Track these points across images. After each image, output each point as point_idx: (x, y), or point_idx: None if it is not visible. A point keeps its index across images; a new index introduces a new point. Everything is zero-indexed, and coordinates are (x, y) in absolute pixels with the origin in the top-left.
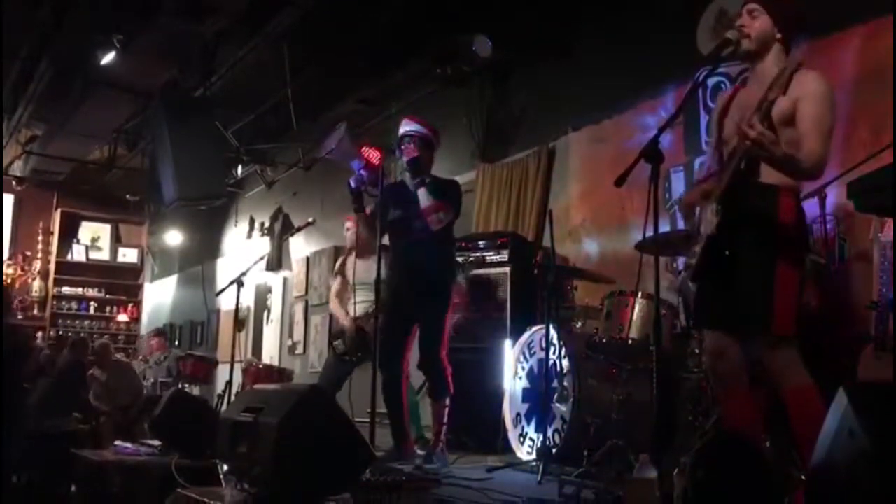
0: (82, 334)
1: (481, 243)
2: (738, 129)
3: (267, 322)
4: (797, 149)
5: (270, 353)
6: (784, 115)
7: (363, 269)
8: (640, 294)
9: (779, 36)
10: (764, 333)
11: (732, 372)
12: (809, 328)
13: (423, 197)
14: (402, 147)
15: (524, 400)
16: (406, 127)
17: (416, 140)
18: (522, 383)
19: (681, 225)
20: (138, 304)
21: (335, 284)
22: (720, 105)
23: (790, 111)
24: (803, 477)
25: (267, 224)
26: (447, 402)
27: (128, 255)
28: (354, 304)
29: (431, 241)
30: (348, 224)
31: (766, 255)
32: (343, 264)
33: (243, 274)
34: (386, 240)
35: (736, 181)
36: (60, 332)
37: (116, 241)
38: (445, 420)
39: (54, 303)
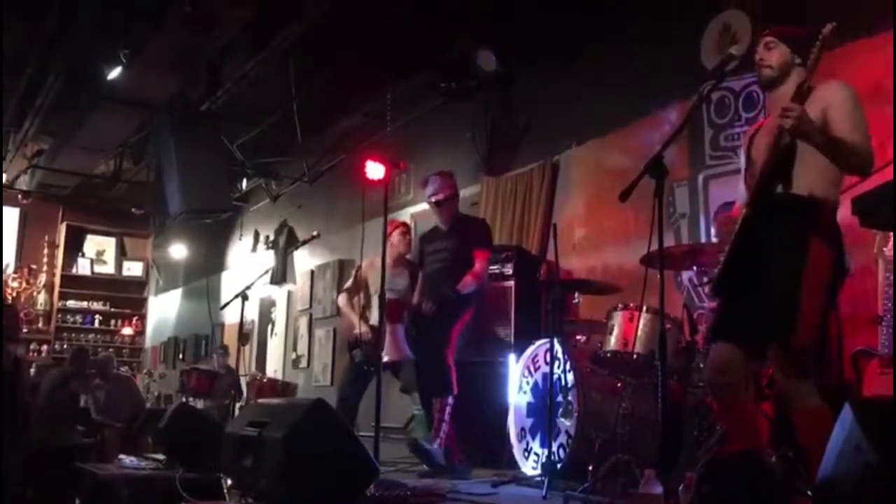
0: (86, 347)
1: None
2: (778, 118)
3: (271, 336)
4: None
5: (274, 367)
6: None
7: (394, 277)
8: (644, 308)
9: (798, 61)
10: (784, 346)
11: (734, 386)
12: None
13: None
14: (435, 208)
15: (529, 414)
16: (430, 189)
17: (446, 201)
18: (527, 398)
19: (685, 241)
20: (143, 318)
21: (349, 283)
22: (747, 137)
23: (820, 120)
24: (809, 492)
25: (271, 237)
26: (450, 400)
27: (133, 269)
28: (379, 307)
29: (455, 271)
30: (396, 233)
31: (794, 267)
32: (369, 265)
33: (248, 287)
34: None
35: (763, 189)
36: (65, 345)
37: (121, 254)
38: (447, 417)
39: (59, 316)
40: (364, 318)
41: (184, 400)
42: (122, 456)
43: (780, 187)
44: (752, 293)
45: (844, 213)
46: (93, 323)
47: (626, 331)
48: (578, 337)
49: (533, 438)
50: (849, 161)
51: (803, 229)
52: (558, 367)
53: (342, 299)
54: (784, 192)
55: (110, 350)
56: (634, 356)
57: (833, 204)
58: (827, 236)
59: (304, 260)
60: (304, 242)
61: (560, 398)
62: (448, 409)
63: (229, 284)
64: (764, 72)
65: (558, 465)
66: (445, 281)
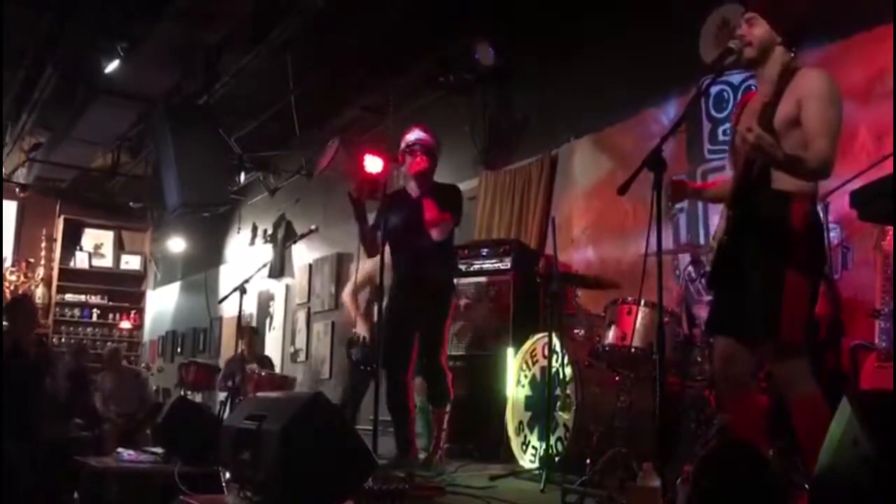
0: (85, 341)
1: (484, 251)
2: (740, 133)
3: (269, 329)
4: (806, 149)
5: (273, 361)
6: (790, 116)
7: None
8: (642, 302)
9: (779, 40)
10: (771, 341)
11: (740, 378)
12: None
13: (431, 208)
14: (410, 156)
15: (527, 408)
16: (415, 135)
17: (425, 150)
18: (525, 391)
19: (683, 234)
20: (141, 312)
21: (355, 276)
22: (736, 112)
23: (795, 112)
24: (807, 485)
25: (269, 231)
26: (447, 408)
27: (131, 262)
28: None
29: (432, 249)
30: None
31: (776, 263)
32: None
33: (246, 281)
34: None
35: (744, 186)
36: (63, 339)
37: (119, 248)
38: (445, 426)
39: (57, 310)
40: (368, 314)
41: (182, 393)
42: (120, 449)
43: (760, 180)
44: (739, 290)
45: (843, 207)
46: (91, 317)
47: (624, 324)
48: (576, 331)
49: (531, 432)
50: (805, 177)
51: (781, 225)
52: (556, 360)
53: (347, 293)
54: (763, 187)
55: (111, 344)
56: (632, 350)
57: (811, 196)
58: (805, 230)
59: (303, 254)
60: (303, 236)
61: (558, 392)
62: (447, 417)
63: (227, 278)
64: (745, 51)
65: (556, 459)
66: (421, 262)
